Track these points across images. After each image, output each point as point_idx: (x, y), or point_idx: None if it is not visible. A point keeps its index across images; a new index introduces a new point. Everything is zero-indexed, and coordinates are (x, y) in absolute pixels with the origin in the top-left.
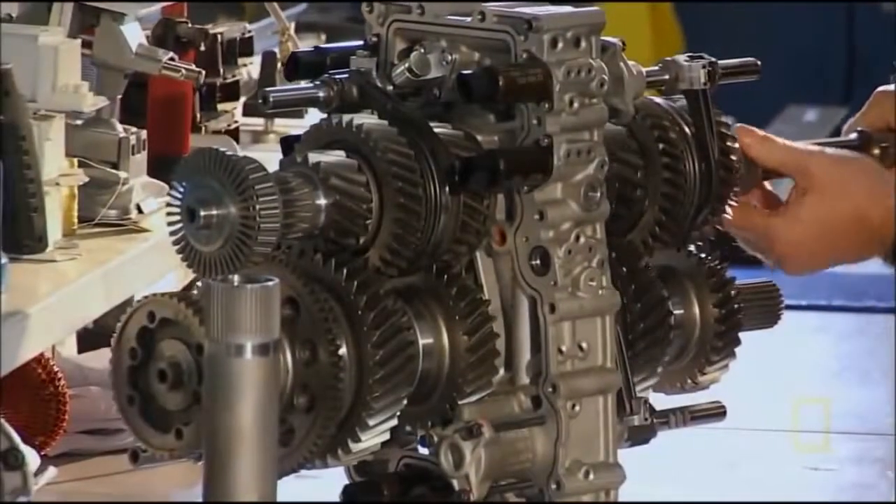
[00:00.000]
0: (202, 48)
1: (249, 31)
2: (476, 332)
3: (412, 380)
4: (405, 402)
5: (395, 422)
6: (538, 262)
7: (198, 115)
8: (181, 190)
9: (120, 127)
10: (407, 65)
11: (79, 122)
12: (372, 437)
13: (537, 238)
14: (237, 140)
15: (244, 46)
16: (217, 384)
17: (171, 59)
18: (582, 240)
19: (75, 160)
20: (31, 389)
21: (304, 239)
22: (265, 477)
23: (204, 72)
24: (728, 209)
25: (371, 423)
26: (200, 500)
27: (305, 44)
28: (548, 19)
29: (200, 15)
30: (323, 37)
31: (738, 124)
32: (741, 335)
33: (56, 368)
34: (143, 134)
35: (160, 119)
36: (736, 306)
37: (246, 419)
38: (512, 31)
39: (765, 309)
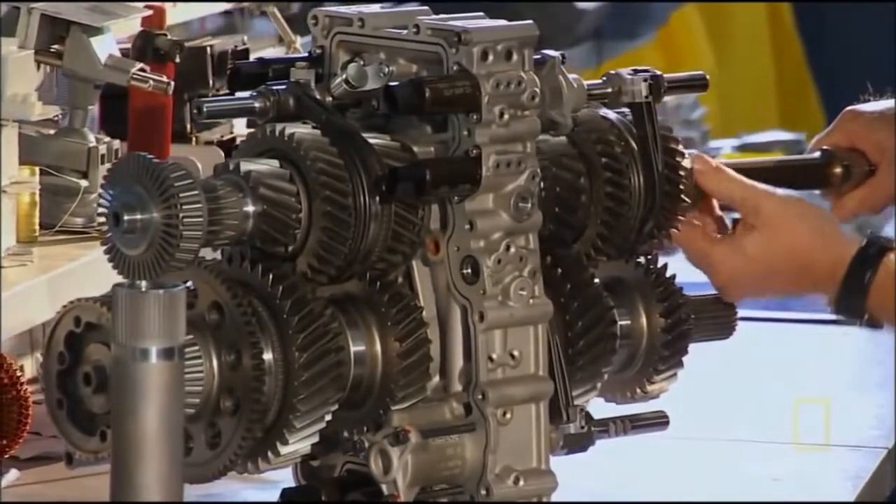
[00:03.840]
0: (177, 60)
1: (245, 44)
2: (408, 338)
3: (342, 384)
4: (335, 406)
5: (322, 425)
6: (469, 271)
7: (188, 126)
8: (109, 195)
9: (92, 136)
10: (343, 76)
11: (51, 131)
12: (299, 441)
13: (467, 248)
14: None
15: (238, 58)
16: (122, 387)
17: (142, 70)
18: (512, 249)
19: (36, 168)
20: None
21: (233, 245)
22: (170, 479)
23: (172, 83)
24: (675, 223)
25: (298, 425)
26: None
27: None
28: (478, 32)
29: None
30: None
31: (695, 152)
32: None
33: (19, 373)
34: (116, 144)
35: (140, 129)
36: (683, 316)
37: (151, 422)
38: (444, 43)
39: (717, 320)
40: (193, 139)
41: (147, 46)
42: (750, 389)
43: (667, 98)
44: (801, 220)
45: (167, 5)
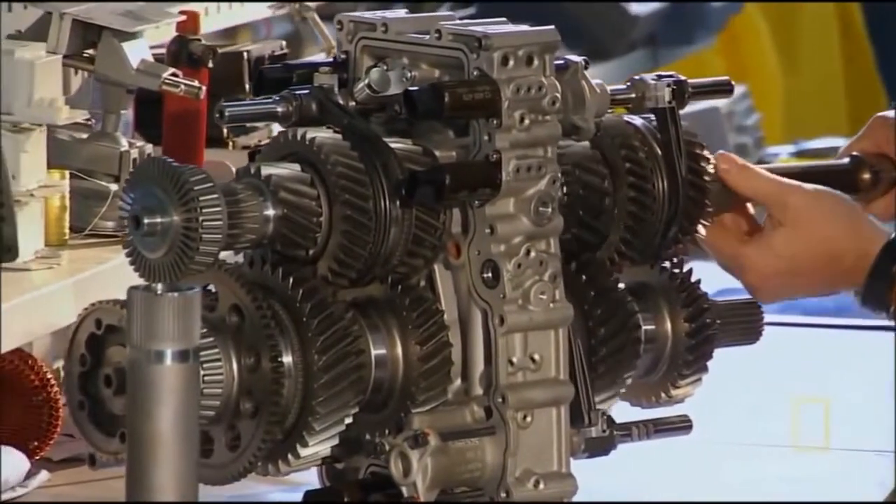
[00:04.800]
0: (210, 65)
1: (283, 49)
2: (429, 341)
3: (362, 387)
4: (355, 409)
5: (342, 427)
6: (489, 275)
7: (224, 131)
8: (130, 198)
9: (124, 141)
10: (367, 81)
11: (84, 135)
12: (319, 443)
13: (488, 252)
14: None
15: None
16: (138, 389)
17: (174, 75)
18: (533, 254)
19: (66, 172)
20: (23, 395)
21: (254, 249)
22: (185, 479)
23: (204, 88)
24: (700, 227)
25: (317, 427)
26: None
27: None
28: (499, 38)
29: None
30: None
31: (720, 151)
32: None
33: (49, 375)
34: (148, 148)
35: (174, 134)
36: (707, 321)
37: (166, 423)
38: (464, 48)
39: (744, 326)
40: (230, 144)
41: (181, 51)
42: (751, 390)
43: (719, 103)
44: (830, 213)
45: (211, 6)
